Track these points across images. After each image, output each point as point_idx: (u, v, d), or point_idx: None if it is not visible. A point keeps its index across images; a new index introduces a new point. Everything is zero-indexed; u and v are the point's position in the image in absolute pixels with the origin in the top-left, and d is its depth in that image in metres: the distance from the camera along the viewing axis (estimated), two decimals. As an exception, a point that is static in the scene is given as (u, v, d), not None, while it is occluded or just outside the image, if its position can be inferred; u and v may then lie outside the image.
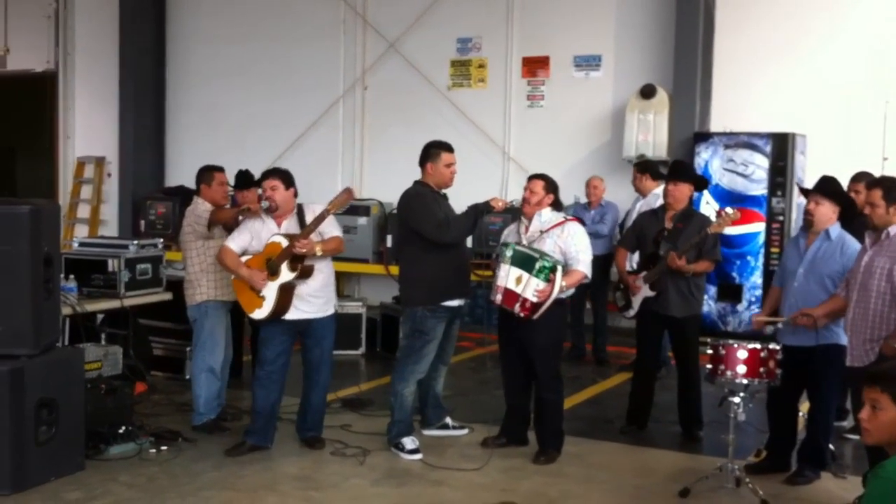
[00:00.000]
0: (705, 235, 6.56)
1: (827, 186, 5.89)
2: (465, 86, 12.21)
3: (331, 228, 6.26)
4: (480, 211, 6.33)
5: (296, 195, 6.37)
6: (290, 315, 6.20)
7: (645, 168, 8.81)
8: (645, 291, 6.77)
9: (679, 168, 7.18)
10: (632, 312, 6.94)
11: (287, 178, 6.29)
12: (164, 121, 14.14)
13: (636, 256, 7.29)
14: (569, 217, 6.48)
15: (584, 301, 9.20)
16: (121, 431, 6.20)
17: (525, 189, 6.38)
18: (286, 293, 6.13)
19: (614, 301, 7.24)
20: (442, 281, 6.31)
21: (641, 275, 6.81)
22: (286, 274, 6.08)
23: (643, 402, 7.00)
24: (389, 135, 12.40)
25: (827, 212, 5.79)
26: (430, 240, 6.24)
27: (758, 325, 6.17)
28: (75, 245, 7.75)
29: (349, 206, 10.37)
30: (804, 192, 6.11)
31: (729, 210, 6.54)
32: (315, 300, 6.25)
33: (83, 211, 14.48)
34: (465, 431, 6.82)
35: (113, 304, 7.22)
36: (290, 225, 6.23)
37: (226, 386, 6.97)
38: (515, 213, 7.06)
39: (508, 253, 6.10)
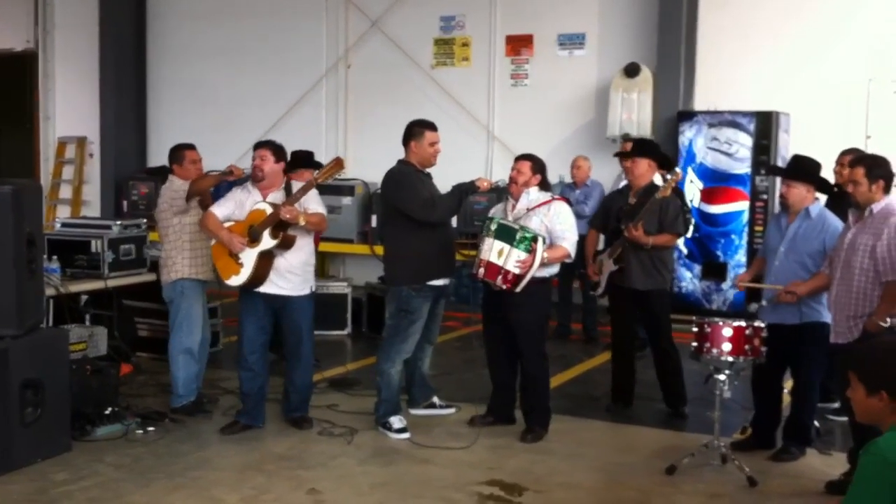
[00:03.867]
0: (653, 202, 6.56)
1: (798, 167, 5.92)
2: (448, 64, 12.17)
3: (315, 205, 6.23)
4: (465, 191, 6.31)
5: (285, 170, 6.35)
6: (266, 288, 6.17)
7: None
8: (610, 266, 6.81)
9: (638, 145, 7.18)
10: (600, 290, 6.99)
11: (278, 151, 6.27)
12: (145, 100, 14.03)
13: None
14: (556, 196, 6.48)
15: (572, 280, 9.20)
16: (107, 412, 6.18)
17: (512, 169, 6.37)
18: (265, 261, 6.10)
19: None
20: (427, 260, 6.30)
21: (606, 251, 6.85)
22: (267, 241, 6.05)
23: (625, 378, 7.00)
24: (373, 114, 12.35)
25: (801, 192, 5.81)
26: (415, 219, 6.22)
27: (741, 286, 6.22)
28: (58, 226, 7.69)
29: (334, 185, 10.34)
30: (776, 171, 6.12)
31: (668, 175, 6.59)
32: (293, 277, 6.22)
33: (65, 192, 14.38)
34: (452, 410, 6.82)
35: (97, 284, 7.19)
36: (277, 198, 6.17)
37: (205, 367, 6.87)
38: (501, 193, 7.06)
39: (493, 227, 6.11)
